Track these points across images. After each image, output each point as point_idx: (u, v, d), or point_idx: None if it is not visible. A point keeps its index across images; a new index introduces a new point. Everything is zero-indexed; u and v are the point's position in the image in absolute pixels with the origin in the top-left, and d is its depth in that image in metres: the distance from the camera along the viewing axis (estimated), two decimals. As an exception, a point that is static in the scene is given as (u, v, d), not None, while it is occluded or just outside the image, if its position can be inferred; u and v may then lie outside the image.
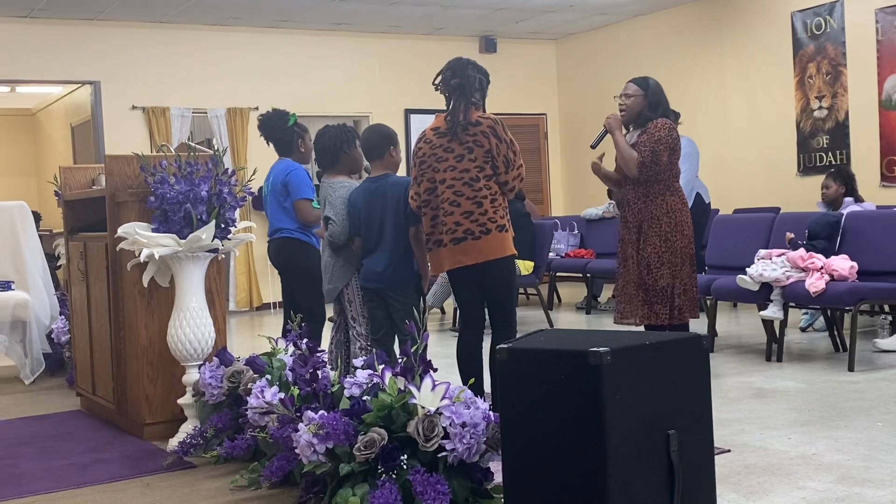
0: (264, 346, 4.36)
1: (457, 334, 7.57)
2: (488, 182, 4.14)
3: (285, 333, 4.31)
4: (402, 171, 5.02)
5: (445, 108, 4.28)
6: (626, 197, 5.07)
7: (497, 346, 2.74)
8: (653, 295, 4.93)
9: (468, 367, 4.25)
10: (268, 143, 5.38)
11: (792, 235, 6.05)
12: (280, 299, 10.48)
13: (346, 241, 4.55)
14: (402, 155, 4.78)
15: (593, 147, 5.20)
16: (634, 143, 4.99)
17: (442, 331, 8.10)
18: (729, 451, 3.81)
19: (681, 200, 4.98)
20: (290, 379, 3.80)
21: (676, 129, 4.98)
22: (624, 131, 5.08)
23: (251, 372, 4.01)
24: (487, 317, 4.38)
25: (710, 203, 8.40)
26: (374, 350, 4.51)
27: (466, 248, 4.11)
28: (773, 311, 5.76)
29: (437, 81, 4.29)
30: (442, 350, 6.43)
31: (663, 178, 4.91)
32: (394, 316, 4.43)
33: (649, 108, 5.00)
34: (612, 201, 9.53)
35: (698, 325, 6.26)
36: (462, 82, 4.19)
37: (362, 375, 3.39)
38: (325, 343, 4.91)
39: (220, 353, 4.22)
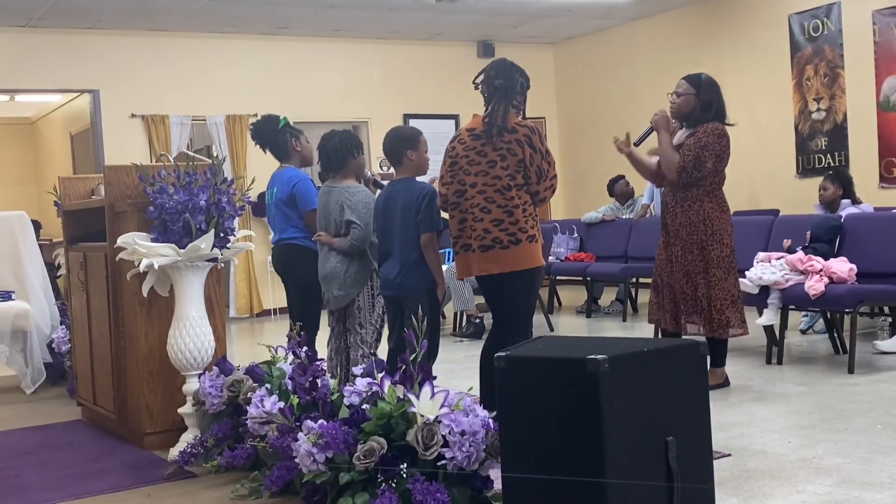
0: (264, 353, 4.36)
1: (457, 340, 7.63)
2: (520, 191, 4.05)
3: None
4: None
5: (484, 108, 4.18)
6: (665, 198, 4.98)
7: (495, 354, 2.75)
8: (692, 305, 4.85)
9: (489, 371, 4.19)
10: (263, 150, 5.31)
11: (789, 242, 6.03)
12: (281, 305, 10.57)
13: (367, 247, 4.53)
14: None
15: (636, 145, 5.04)
16: (680, 145, 4.86)
17: (442, 336, 8.09)
18: (729, 455, 3.81)
19: (720, 207, 4.86)
20: (289, 388, 3.80)
21: (727, 135, 4.84)
22: (675, 125, 4.92)
23: (251, 381, 4.01)
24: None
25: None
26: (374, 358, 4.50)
27: (494, 256, 4.05)
28: (768, 318, 5.75)
29: (478, 80, 4.20)
30: (443, 356, 6.40)
31: (705, 183, 4.80)
32: (406, 324, 4.38)
33: (701, 109, 4.84)
34: (615, 198, 9.55)
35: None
36: (506, 84, 4.11)
37: (361, 384, 3.40)
38: (322, 351, 4.90)
39: (220, 362, 4.22)
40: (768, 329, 5.93)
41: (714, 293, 4.84)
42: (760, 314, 5.86)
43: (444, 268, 7.55)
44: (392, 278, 4.39)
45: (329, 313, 4.75)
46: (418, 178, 4.53)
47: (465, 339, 7.71)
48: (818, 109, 9.33)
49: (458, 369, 6.06)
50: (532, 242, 4.06)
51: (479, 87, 4.21)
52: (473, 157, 4.12)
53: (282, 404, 3.56)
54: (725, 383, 5.15)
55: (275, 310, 10.74)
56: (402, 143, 4.44)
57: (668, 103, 5.06)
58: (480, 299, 7.83)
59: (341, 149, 4.60)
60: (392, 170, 4.63)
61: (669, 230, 4.95)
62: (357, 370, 3.58)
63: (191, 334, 4.14)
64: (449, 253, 8.13)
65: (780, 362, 5.83)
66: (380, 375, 3.35)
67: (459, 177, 4.15)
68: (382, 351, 4.64)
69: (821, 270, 5.64)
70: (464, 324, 8.05)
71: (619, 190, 9.51)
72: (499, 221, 4.04)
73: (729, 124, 4.99)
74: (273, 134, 5.21)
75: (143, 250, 4.08)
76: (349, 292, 4.56)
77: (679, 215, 4.87)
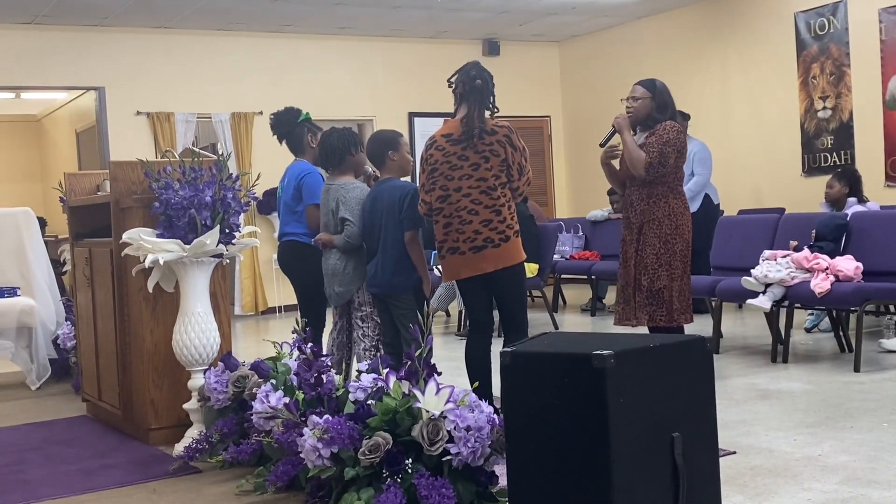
0: (269, 350, 4.37)
1: (461, 338, 7.62)
2: (504, 190, 4.16)
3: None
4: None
5: (454, 108, 4.24)
6: (630, 197, 5.07)
7: (501, 350, 2.75)
8: (649, 297, 4.92)
9: (477, 371, 4.25)
10: (280, 141, 5.28)
11: (796, 244, 6.01)
12: (286, 303, 10.58)
13: (362, 243, 4.60)
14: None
15: (602, 146, 5.19)
16: (642, 144, 4.99)
17: (447, 334, 8.10)
18: (734, 452, 3.81)
19: (683, 204, 4.97)
20: (294, 383, 3.80)
21: (684, 133, 4.98)
22: (631, 132, 5.07)
23: (256, 377, 4.01)
24: (498, 320, 4.38)
25: (718, 204, 8.41)
26: (378, 352, 4.54)
27: (487, 255, 4.13)
28: (760, 301, 5.74)
29: (453, 79, 4.25)
30: (446, 353, 6.43)
31: (668, 180, 4.91)
32: (396, 321, 4.46)
33: (657, 110, 5.00)
34: (612, 206, 9.55)
35: (704, 326, 6.27)
36: (482, 86, 4.18)
37: (367, 379, 3.40)
38: (325, 345, 4.92)
39: (226, 357, 4.23)
40: (773, 327, 5.92)
41: (675, 285, 4.91)
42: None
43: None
44: (380, 275, 4.48)
45: (333, 309, 4.80)
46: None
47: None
48: (824, 108, 9.31)
49: (462, 367, 6.04)
50: (517, 237, 4.21)
51: (455, 85, 4.25)
52: (455, 162, 4.17)
53: (287, 400, 3.56)
54: None
55: (280, 307, 10.75)
56: (383, 145, 4.56)
57: (621, 109, 5.17)
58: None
59: (339, 146, 4.69)
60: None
61: (633, 227, 5.02)
62: (362, 366, 3.58)
63: (196, 330, 4.15)
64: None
65: (785, 361, 5.82)
66: (385, 371, 3.36)
67: (441, 182, 4.20)
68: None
69: (827, 269, 5.63)
70: (466, 323, 8.02)
71: (614, 201, 9.50)
72: (488, 221, 4.12)
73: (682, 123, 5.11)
74: (291, 126, 5.19)
75: (149, 246, 4.08)
76: (349, 288, 4.64)
77: (645, 212, 4.97)
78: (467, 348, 4.34)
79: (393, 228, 4.44)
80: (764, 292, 5.78)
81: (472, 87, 4.18)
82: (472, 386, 4.08)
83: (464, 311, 8.00)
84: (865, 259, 5.71)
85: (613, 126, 5.10)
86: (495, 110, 4.26)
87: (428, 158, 4.26)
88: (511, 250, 4.16)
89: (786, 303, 5.85)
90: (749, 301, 5.86)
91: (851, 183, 7.01)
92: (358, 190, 4.65)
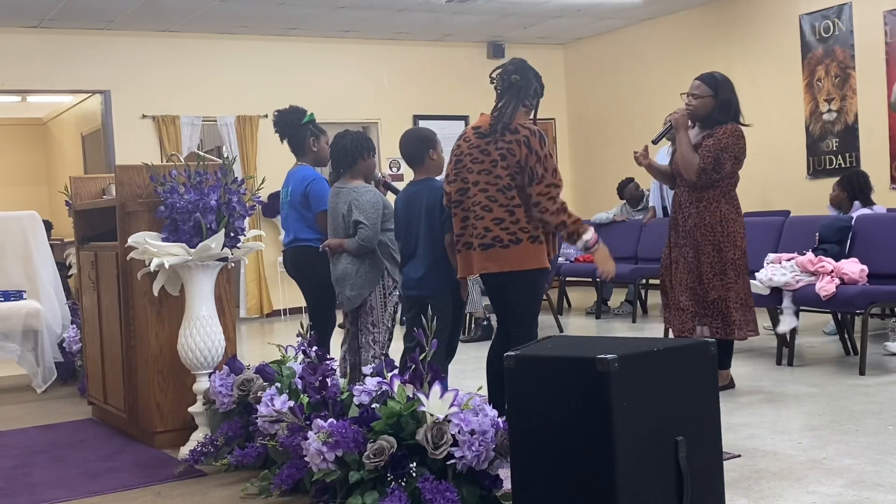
0: (274, 353, 4.37)
1: (466, 342, 7.61)
2: (522, 192, 4.03)
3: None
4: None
5: (495, 103, 4.13)
6: (679, 198, 4.95)
7: (505, 354, 2.75)
8: (704, 307, 4.82)
9: (496, 373, 4.16)
10: (281, 140, 5.23)
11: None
12: (291, 306, 10.59)
13: (376, 246, 4.53)
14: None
15: (655, 143, 5.02)
16: (697, 145, 4.84)
17: (452, 337, 8.08)
18: (739, 455, 3.81)
19: (735, 209, 4.85)
20: (299, 387, 3.81)
21: (744, 136, 4.83)
22: (687, 131, 4.90)
23: (261, 380, 4.02)
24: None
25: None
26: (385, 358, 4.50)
27: (493, 255, 4.01)
28: (788, 324, 5.67)
29: (494, 74, 4.18)
30: (455, 356, 6.41)
31: (721, 185, 4.78)
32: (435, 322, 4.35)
33: (720, 111, 4.81)
34: (625, 201, 9.53)
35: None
36: (521, 82, 4.08)
37: (371, 383, 3.41)
38: (335, 351, 4.91)
39: (231, 361, 4.24)
40: (779, 330, 5.91)
41: (729, 295, 4.83)
42: (771, 317, 5.82)
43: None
44: (417, 278, 4.37)
45: (343, 314, 4.75)
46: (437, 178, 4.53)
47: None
48: (829, 110, 9.30)
49: (467, 370, 6.05)
50: (534, 243, 4.02)
51: (494, 80, 4.18)
52: (477, 156, 4.10)
53: (292, 403, 3.57)
54: (731, 385, 5.13)
55: (285, 310, 10.76)
56: (424, 144, 4.44)
57: (680, 104, 5.05)
58: (488, 300, 7.82)
59: (351, 149, 4.61)
60: (401, 171, 4.65)
61: (681, 231, 4.92)
62: (367, 369, 3.58)
63: (201, 333, 4.15)
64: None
65: (790, 364, 5.82)
66: (390, 374, 3.36)
67: (463, 175, 4.13)
68: (395, 350, 4.63)
69: (832, 271, 5.62)
70: (472, 327, 8.02)
71: (628, 194, 9.49)
72: (500, 220, 4.01)
73: (745, 125, 4.97)
74: (294, 127, 5.14)
75: (154, 250, 4.09)
76: (361, 292, 4.57)
77: (693, 216, 4.86)
78: (490, 350, 4.26)
79: (432, 230, 4.32)
80: (780, 312, 5.71)
81: (509, 84, 4.09)
82: (488, 389, 4.06)
83: (469, 314, 8.00)
84: (870, 262, 5.70)
85: (669, 122, 4.90)
86: (530, 108, 4.13)
87: (455, 150, 4.21)
88: (521, 254, 4.00)
89: (796, 308, 5.81)
90: (778, 329, 5.75)
91: (849, 188, 6.98)
92: (371, 193, 4.56)
